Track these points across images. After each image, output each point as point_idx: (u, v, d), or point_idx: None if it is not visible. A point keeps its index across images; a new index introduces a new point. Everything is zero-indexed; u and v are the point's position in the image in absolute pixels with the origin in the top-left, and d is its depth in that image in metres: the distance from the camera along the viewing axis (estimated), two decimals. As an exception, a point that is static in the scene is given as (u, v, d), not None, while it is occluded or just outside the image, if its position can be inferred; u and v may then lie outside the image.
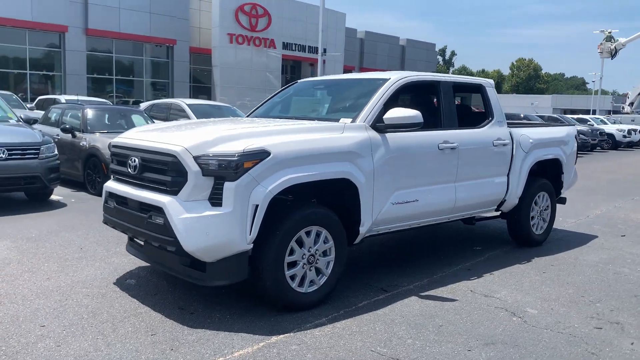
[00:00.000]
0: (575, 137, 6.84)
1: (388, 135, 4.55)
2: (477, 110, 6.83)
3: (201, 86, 33.66)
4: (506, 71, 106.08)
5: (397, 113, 4.50)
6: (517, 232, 6.20)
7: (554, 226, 7.36)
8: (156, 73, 31.38)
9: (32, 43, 26.22)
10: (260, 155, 3.68)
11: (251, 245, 3.71)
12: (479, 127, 5.52)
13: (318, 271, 4.11)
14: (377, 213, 4.47)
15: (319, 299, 4.11)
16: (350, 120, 4.50)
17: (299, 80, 5.99)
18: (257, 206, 3.65)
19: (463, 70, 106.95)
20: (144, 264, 4.92)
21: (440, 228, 7.08)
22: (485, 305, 4.27)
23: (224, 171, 3.61)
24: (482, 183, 5.48)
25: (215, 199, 3.65)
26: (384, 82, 4.84)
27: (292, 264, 3.94)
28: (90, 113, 9.48)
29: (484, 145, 5.44)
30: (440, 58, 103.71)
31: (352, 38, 42.75)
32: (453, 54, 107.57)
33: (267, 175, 3.70)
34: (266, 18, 33.94)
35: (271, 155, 3.72)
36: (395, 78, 4.89)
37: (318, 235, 4.06)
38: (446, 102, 5.25)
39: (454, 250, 6.02)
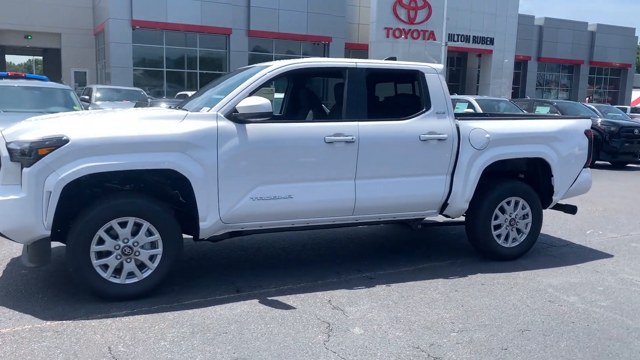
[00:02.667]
0: (586, 133, 5.56)
1: (252, 126, 4.26)
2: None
3: (358, 81, 34.06)
4: None
5: (247, 102, 4.20)
6: (474, 242, 5.29)
7: (572, 240, 6.17)
8: (314, 69, 32.66)
9: (202, 45, 29.21)
10: (56, 142, 3.74)
11: (49, 231, 3.80)
12: (403, 120, 4.82)
13: (142, 264, 4.04)
14: (229, 208, 4.21)
15: (140, 291, 4.03)
16: (208, 109, 4.31)
17: (238, 69, 5.84)
18: (50, 193, 3.73)
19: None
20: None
21: (415, 232, 6.34)
22: (314, 319, 3.78)
23: (22, 157, 3.75)
24: (403, 182, 4.79)
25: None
26: (260, 70, 4.52)
27: (105, 254, 3.94)
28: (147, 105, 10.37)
29: (403, 140, 4.75)
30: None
31: (529, 25, 39.49)
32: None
33: (64, 162, 3.74)
34: (426, 9, 33.03)
35: (69, 142, 3.75)
36: (274, 66, 4.54)
37: (139, 226, 3.99)
38: (351, 91, 4.69)
39: (392, 255, 5.35)
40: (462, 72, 39.43)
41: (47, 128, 3.88)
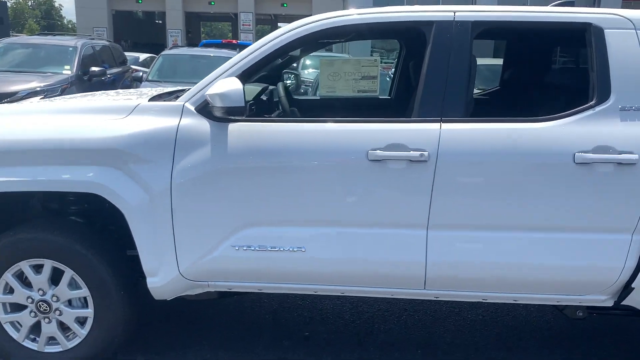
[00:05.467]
0: None
1: (238, 126, 2.54)
2: None
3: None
4: None
5: (216, 88, 2.47)
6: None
7: None
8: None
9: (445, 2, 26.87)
10: (-48, 146, 2.61)
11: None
12: (541, 122, 2.47)
13: (66, 327, 2.72)
14: (195, 259, 2.59)
15: (68, 366, 2.73)
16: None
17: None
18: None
19: None
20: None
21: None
22: None
23: None
24: (530, 240, 2.51)
25: None
26: (278, 33, 2.69)
27: (15, 307, 2.72)
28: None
29: (536, 161, 2.44)
30: None
31: None
32: None
33: (-45, 175, 2.59)
34: None
35: (-39, 147, 2.58)
36: (285, 29, 2.66)
37: (60, 274, 2.65)
38: (436, 64, 2.53)
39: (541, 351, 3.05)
40: None
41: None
